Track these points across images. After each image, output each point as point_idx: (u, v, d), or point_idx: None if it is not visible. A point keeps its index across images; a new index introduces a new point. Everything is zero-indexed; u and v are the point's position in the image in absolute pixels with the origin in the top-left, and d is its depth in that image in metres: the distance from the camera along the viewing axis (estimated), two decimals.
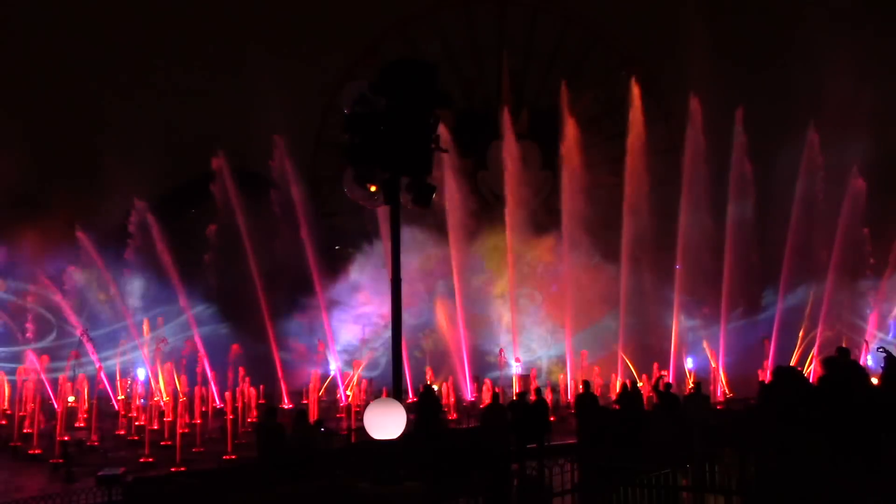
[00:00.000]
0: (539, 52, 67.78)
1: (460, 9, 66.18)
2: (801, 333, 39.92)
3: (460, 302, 42.84)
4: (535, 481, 17.14)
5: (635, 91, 45.68)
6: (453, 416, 32.68)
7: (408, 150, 12.40)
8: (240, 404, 33.01)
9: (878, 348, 14.63)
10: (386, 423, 8.14)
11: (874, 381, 14.13)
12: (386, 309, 36.83)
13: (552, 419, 23.13)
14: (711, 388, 36.42)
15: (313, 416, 26.30)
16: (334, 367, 43.65)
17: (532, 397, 21.50)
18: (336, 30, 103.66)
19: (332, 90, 54.26)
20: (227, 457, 22.73)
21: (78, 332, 36.77)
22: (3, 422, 31.56)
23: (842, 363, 13.12)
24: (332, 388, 41.68)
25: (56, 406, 29.32)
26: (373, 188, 12.49)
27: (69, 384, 32.93)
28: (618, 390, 26.56)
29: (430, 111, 12.69)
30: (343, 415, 33.24)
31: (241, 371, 36.07)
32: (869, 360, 33.36)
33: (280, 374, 40.91)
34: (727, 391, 38.03)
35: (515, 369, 42.45)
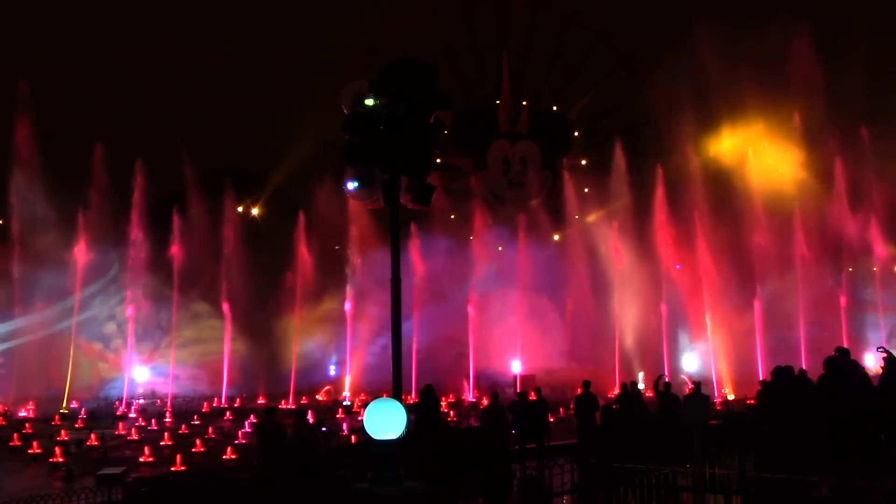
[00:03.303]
0: (539, 52, 67.80)
1: (460, 8, 66.19)
2: None
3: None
4: (535, 481, 17.15)
5: None
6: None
7: (407, 151, 12.38)
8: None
9: (878, 348, 14.59)
10: (386, 423, 8.13)
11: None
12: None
13: (552, 419, 23.13)
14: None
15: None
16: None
17: (532, 397, 21.48)
18: (336, 30, 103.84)
19: (333, 90, 54.36)
20: (228, 457, 22.72)
21: None
22: (3, 422, 31.57)
23: (841, 363, 13.12)
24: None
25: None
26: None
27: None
28: (617, 390, 26.55)
29: (430, 111, 12.67)
30: (343, 415, 33.30)
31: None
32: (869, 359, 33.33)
33: (293, 373, 41.10)
34: (728, 391, 38.09)
35: (516, 369, 42.53)
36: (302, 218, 45.43)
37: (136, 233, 40.95)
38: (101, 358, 42.21)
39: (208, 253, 42.53)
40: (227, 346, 41.05)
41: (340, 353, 44.34)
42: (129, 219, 41.00)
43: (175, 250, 41.57)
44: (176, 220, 41.83)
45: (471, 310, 42.69)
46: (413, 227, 44.51)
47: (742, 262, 42.03)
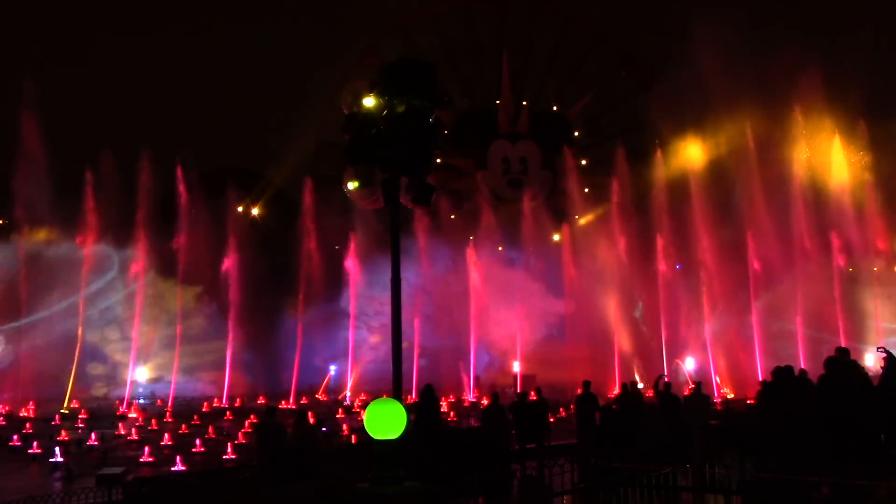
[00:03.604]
0: (539, 52, 67.81)
1: (460, 8, 66.20)
2: None
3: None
4: (535, 481, 17.16)
5: None
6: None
7: (407, 151, 12.38)
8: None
9: (878, 348, 14.60)
10: (386, 423, 8.13)
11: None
12: None
13: (552, 419, 23.13)
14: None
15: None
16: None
17: (532, 397, 21.48)
18: (336, 30, 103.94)
19: (333, 90, 54.38)
20: (228, 457, 22.73)
21: None
22: (3, 422, 31.57)
23: (842, 363, 13.13)
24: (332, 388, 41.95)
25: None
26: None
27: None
28: (617, 390, 26.55)
29: (430, 111, 12.67)
30: (343, 415, 33.30)
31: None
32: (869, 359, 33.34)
33: (295, 373, 41.11)
34: (728, 391, 38.09)
35: (516, 368, 42.52)
36: (303, 217, 45.42)
37: (142, 215, 40.91)
38: (100, 377, 42.04)
39: (209, 252, 42.47)
40: (230, 345, 41.02)
41: (341, 353, 44.34)
42: (131, 214, 40.97)
43: (176, 244, 41.55)
44: (180, 213, 41.87)
45: (472, 309, 42.72)
46: (415, 228, 44.50)
47: (742, 260, 42.05)
